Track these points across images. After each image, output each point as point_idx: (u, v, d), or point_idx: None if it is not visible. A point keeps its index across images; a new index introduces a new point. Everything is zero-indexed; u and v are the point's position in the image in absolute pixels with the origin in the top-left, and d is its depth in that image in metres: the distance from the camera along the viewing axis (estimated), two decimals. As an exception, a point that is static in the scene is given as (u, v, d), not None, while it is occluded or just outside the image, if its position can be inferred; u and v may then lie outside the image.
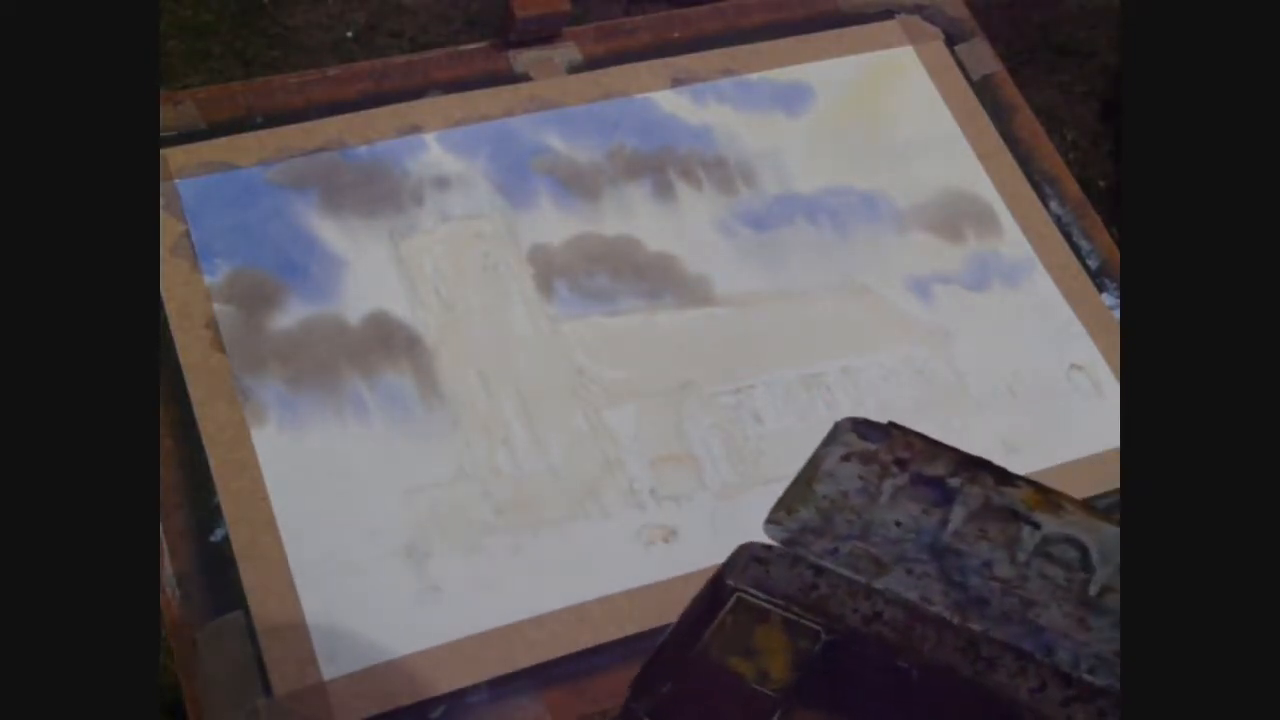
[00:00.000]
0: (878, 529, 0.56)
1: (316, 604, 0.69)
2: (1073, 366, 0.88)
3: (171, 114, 0.84)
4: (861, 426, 0.58)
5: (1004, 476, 0.57)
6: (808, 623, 0.54)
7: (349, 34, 1.73)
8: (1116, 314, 0.90)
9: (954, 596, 0.54)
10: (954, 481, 0.57)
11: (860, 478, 0.57)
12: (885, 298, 0.88)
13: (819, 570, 0.55)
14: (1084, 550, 0.56)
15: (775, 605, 0.54)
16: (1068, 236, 0.94)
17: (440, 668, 0.69)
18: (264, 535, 0.71)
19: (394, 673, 0.68)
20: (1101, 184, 1.65)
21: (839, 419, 0.59)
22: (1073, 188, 0.96)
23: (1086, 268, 0.92)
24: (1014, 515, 0.57)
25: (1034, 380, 0.86)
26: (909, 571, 0.55)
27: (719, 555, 0.76)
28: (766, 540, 0.57)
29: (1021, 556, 0.56)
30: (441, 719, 0.68)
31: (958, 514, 0.56)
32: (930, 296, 0.89)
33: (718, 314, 0.85)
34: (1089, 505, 0.58)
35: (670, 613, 0.73)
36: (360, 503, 0.73)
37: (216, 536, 0.70)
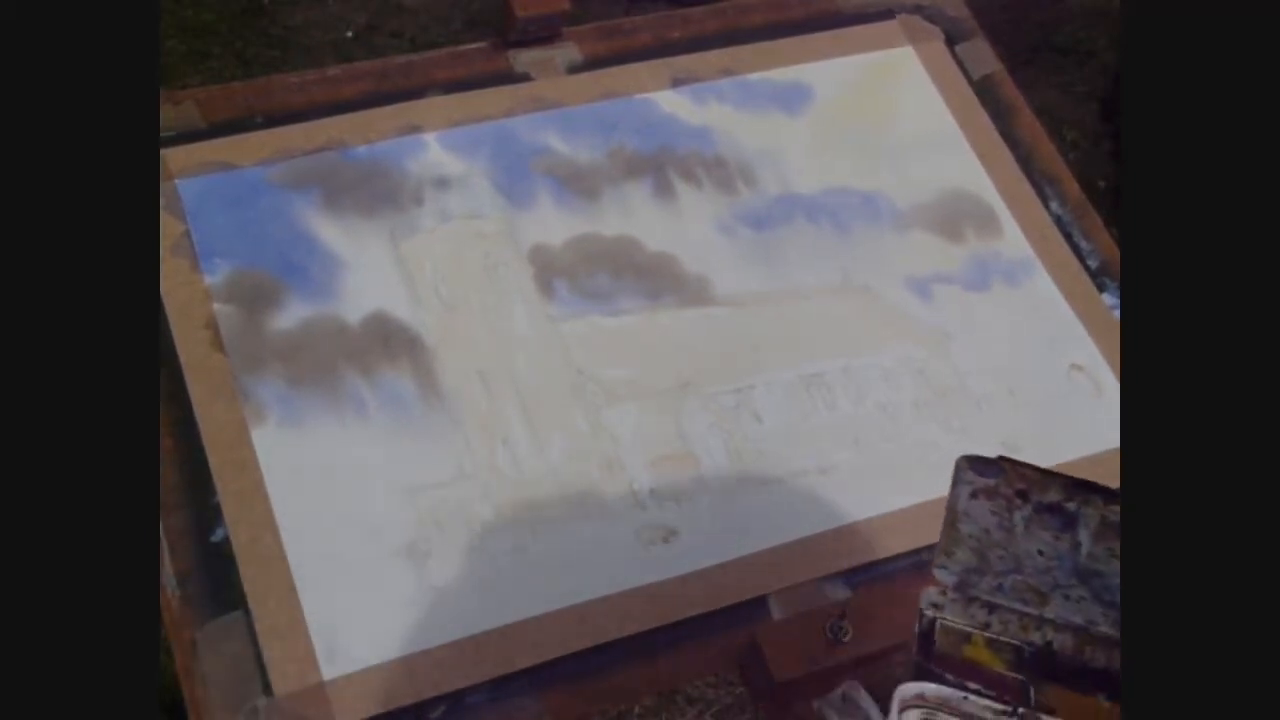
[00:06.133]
0: (1027, 560, 0.60)
1: (316, 604, 0.69)
2: (1073, 366, 0.88)
3: (171, 114, 0.84)
4: (978, 464, 0.60)
5: (1109, 495, 0.60)
6: (1005, 640, 0.60)
7: (349, 34, 1.74)
8: (1116, 314, 0.90)
9: (1113, 615, 0.59)
10: (1071, 505, 0.60)
11: (993, 513, 0.60)
12: (885, 298, 0.88)
13: (991, 608, 0.60)
14: None
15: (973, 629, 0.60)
16: (1068, 236, 0.93)
17: (440, 668, 0.69)
18: (264, 535, 0.71)
19: (394, 673, 0.68)
20: (1101, 184, 1.65)
21: (957, 458, 0.60)
22: (1073, 188, 0.96)
23: (1086, 268, 0.92)
24: None
25: (1034, 380, 0.86)
26: (1066, 597, 0.60)
27: (719, 555, 0.76)
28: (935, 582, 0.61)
29: None
30: (441, 719, 0.68)
31: (1084, 536, 0.60)
32: (930, 296, 0.89)
33: (718, 314, 0.85)
34: None
35: (670, 613, 0.74)
36: (360, 503, 0.73)
37: (216, 536, 0.70)
